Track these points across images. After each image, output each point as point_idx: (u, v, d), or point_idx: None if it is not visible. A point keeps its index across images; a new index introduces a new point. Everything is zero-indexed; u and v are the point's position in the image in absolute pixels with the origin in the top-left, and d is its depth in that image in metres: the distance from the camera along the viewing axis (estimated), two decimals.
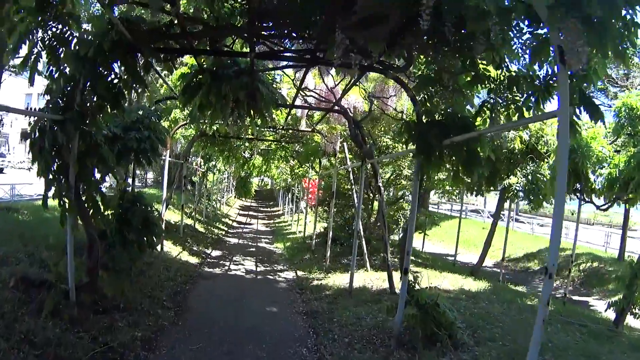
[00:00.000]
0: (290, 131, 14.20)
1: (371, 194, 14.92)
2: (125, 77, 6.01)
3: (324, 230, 17.40)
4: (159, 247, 12.10)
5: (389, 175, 14.76)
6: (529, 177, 12.94)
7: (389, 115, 10.25)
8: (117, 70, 6.24)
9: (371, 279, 10.69)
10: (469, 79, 5.75)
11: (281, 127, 12.09)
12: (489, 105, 6.03)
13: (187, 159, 15.73)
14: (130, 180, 10.13)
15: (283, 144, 16.61)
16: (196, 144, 15.53)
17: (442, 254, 22.22)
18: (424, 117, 5.96)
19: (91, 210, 6.41)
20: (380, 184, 9.02)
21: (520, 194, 14.03)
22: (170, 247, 13.30)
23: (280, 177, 31.30)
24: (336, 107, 9.11)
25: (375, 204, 14.92)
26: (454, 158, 5.99)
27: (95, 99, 6.10)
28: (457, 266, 16.73)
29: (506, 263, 21.69)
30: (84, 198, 6.27)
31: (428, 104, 6.30)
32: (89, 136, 6.29)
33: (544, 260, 21.51)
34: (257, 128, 12.21)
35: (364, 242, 11.55)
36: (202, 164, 22.54)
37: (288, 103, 10.07)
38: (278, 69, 8.37)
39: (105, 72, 5.94)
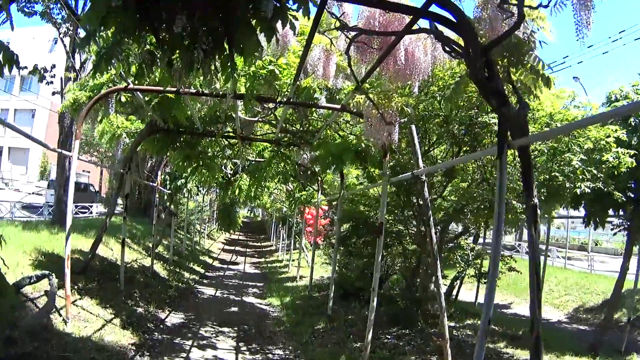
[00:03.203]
0: (297, 121, 8.75)
1: (416, 226, 9.45)
2: None
3: (336, 279, 11.70)
4: (69, 311, 6.57)
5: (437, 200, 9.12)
6: None
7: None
8: None
9: None
10: None
11: (285, 100, 6.64)
12: None
13: (130, 166, 10.08)
14: None
15: (282, 149, 11.07)
16: (147, 145, 9.97)
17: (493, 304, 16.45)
18: None
19: None
20: (536, 198, 3.58)
21: None
22: (91, 312, 7.72)
23: (274, 205, 25.62)
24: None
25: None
26: None
27: None
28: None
29: (582, 314, 16.04)
30: None
31: None
32: None
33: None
34: (240, 103, 6.75)
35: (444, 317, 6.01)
36: (169, 182, 16.94)
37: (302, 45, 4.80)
38: None
39: None
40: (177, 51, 3.80)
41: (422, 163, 5.81)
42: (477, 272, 10.93)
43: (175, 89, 6.27)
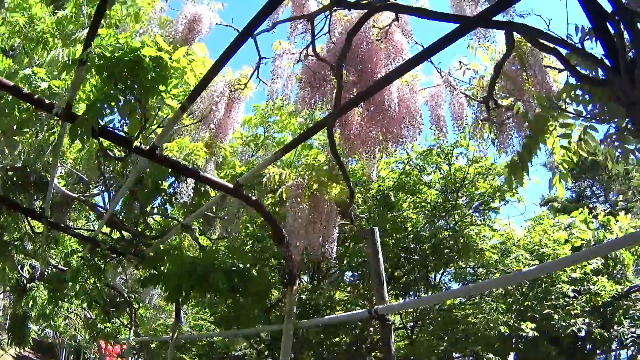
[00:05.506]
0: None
1: None
2: None
3: None
4: None
5: None
6: None
7: None
8: None
9: None
10: None
11: (149, 149, 3.90)
12: None
13: None
14: None
15: (97, 258, 7.84)
16: None
17: None
18: None
19: None
20: None
21: None
22: None
23: (67, 330, 20.73)
24: None
25: None
26: None
27: None
28: None
29: None
30: None
31: None
32: None
33: None
34: None
35: None
36: None
37: None
38: None
39: None
40: None
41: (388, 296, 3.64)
42: None
43: None
